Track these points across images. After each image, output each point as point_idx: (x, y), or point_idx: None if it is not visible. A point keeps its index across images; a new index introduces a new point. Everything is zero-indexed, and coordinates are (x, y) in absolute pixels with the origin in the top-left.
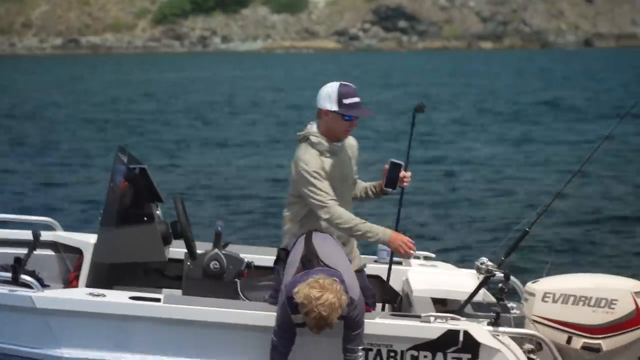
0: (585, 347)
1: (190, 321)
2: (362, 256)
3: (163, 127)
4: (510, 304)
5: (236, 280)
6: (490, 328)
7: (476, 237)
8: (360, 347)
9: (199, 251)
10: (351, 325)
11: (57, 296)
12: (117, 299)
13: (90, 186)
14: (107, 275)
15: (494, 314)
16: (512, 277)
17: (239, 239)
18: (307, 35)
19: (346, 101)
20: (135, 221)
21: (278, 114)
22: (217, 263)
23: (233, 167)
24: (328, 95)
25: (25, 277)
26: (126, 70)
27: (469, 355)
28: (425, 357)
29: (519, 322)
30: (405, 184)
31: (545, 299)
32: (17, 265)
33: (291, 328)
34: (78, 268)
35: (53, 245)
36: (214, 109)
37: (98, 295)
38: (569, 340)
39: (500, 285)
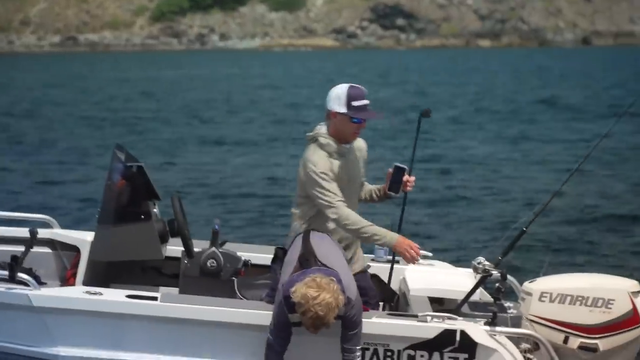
0: (582, 347)
1: (187, 320)
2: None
3: (160, 125)
4: (507, 304)
5: (233, 278)
6: (487, 328)
7: (473, 236)
8: (358, 347)
9: (196, 249)
10: (348, 324)
11: (53, 294)
12: (114, 297)
13: (88, 184)
14: (104, 273)
15: (491, 314)
16: (509, 277)
17: (237, 238)
18: (305, 33)
19: (355, 103)
20: (133, 219)
21: (275, 112)
22: (214, 261)
23: (230, 165)
24: (337, 97)
25: (22, 275)
26: (124, 68)
27: (466, 355)
28: (422, 356)
29: (516, 321)
30: (408, 188)
31: (542, 299)
32: (14, 264)
33: (287, 327)
34: (75, 266)
35: (50, 242)
36: (212, 107)
37: (95, 294)
38: (565, 340)
39: (497, 284)
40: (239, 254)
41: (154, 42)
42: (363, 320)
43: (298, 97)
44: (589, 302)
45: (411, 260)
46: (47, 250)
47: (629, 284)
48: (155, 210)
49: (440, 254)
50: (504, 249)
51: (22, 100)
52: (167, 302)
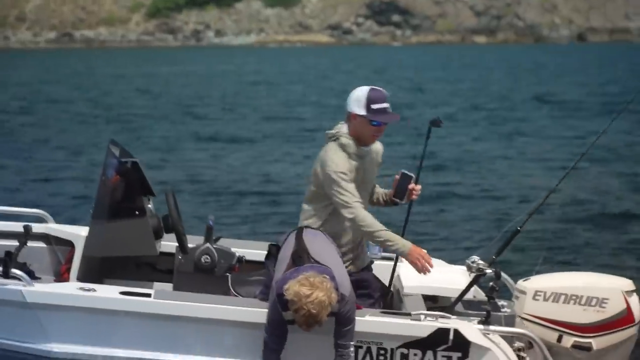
0: (575, 346)
1: (180, 317)
2: None
3: (155, 121)
4: (500, 302)
5: (227, 274)
6: (481, 326)
7: (467, 234)
8: (351, 343)
9: (190, 245)
10: (342, 321)
11: (47, 291)
12: (108, 294)
13: (83, 180)
14: (98, 269)
15: (485, 313)
16: (503, 275)
17: (231, 234)
18: (300, 29)
19: (374, 106)
20: (127, 215)
21: (270, 108)
22: (209, 257)
23: (224, 162)
24: (357, 99)
25: (16, 272)
26: (120, 64)
27: (459, 354)
28: (415, 355)
29: (510, 320)
30: (414, 197)
31: (536, 297)
32: (8, 259)
33: (282, 325)
34: (69, 261)
35: (45, 237)
36: (206, 104)
37: (88, 290)
38: (559, 339)
39: (491, 283)
40: (233, 250)
41: (150, 38)
42: (356, 318)
43: (293, 94)
44: (583, 301)
45: (422, 270)
46: (41, 245)
47: (623, 283)
48: (149, 206)
49: (435, 252)
50: (498, 248)
51: (18, 97)
52: (160, 299)
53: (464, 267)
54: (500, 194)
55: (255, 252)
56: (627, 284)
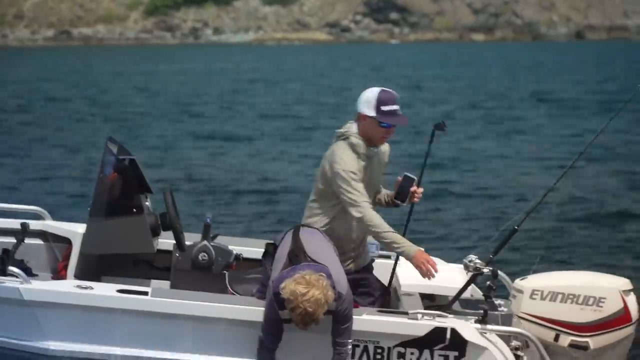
0: (572, 345)
1: (177, 315)
2: None
3: (152, 120)
4: (498, 301)
5: (225, 272)
6: (478, 326)
7: (465, 233)
8: (349, 340)
9: (187, 243)
10: (340, 319)
11: (44, 288)
12: (105, 292)
13: (80, 178)
14: (95, 266)
15: (482, 312)
16: (501, 273)
17: (228, 232)
18: (298, 27)
19: (384, 108)
20: (124, 212)
21: (268, 106)
22: (206, 255)
23: (222, 160)
24: (367, 100)
25: (13, 269)
26: (117, 62)
27: (456, 353)
28: (412, 354)
29: (507, 319)
30: (415, 200)
31: (534, 296)
32: (5, 257)
33: (278, 323)
34: (67, 258)
35: (42, 234)
36: (204, 102)
37: (86, 288)
38: (556, 338)
39: (488, 283)
40: (230, 247)
41: (148, 36)
42: (354, 317)
43: (291, 92)
44: (580, 300)
45: (426, 274)
46: (38, 241)
47: (621, 283)
48: (147, 203)
49: (432, 250)
50: (496, 247)
51: (15, 95)
52: (157, 297)
53: (461, 266)
54: (497, 193)
55: (253, 249)
56: (624, 283)
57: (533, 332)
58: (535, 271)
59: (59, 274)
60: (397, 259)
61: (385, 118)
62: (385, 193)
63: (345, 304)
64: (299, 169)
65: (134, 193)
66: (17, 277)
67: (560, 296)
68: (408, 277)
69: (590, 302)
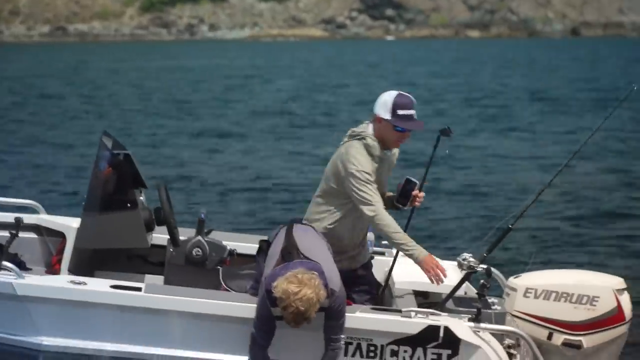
0: (565, 344)
1: (171, 311)
2: None
3: (147, 116)
4: (491, 300)
5: (218, 267)
6: (471, 324)
7: (458, 231)
8: (342, 336)
9: (181, 238)
10: (332, 316)
11: (38, 283)
12: (98, 287)
13: (75, 176)
14: (89, 261)
15: (475, 310)
16: (495, 271)
17: (222, 227)
18: (294, 23)
19: (400, 112)
20: (119, 207)
21: (263, 103)
22: (200, 250)
23: (216, 156)
24: (384, 103)
25: (6, 264)
26: (113, 58)
27: (449, 351)
28: (405, 352)
29: (500, 318)
30: (417, 204)
31: (527, 295)
32: None
33: (270, 320)
34: (61, 252)
35: (36, 228)
36: (199, 98)
37: (79, 283)
38: (549, 337)
39: (481, 281)
40: (224, 242)
41: (144, 32)
42: (347, 314)
43: (286, 89)
44: (574, 299)
45: (435, 279)
46: (33, 235)
47: (614, 282)
48: (141, 198)
49: (425, 248)
50: (489, 246)
51: (11, 91)
52: (151, 293)
53: (455, 264)
54: (491, 191)
55: (247, 245)
56: (618, 282)
57: (526, 331)
58: (529, 269)
59: (52, 268)
60: (395, 258)
61: (400, 122)
62: (387, 195)
63: (338, 301)
64: (293, 166)
65: (128, 188)
66: (10, 271)
67: (553, 295)
68: (402, 274)
69: (584, 300)
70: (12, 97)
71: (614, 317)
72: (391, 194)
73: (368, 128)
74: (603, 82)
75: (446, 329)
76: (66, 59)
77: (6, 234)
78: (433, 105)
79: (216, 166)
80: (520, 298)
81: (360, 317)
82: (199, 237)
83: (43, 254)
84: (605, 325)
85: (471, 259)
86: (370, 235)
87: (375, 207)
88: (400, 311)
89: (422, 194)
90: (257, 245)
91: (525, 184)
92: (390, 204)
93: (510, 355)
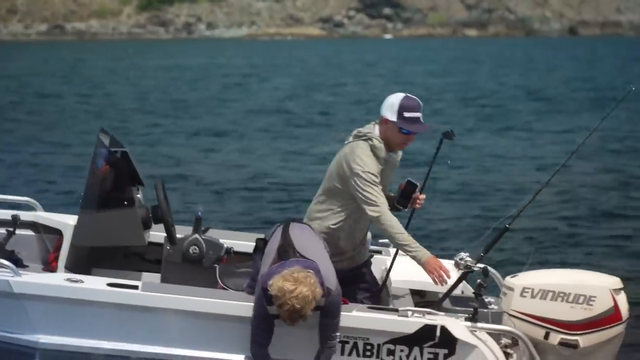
0: (562, 343)
1: (168, 310)
2: None
3: (144, 115)
4: (488, 299)
5: (215, 265)
6: (468, 323)
7: (456, 230)
8: (337, 334)
9: (178, 235)
10: (328, 314)
11: (34, 281)
12: (95, 285)
13: (72, 175)
14: (86, 258)
15: (472, 309)
16: (492, 270)
17: (219, 226)
18: (291, 22)
19: (406, 114)
20: (116, 205)
21: (260, 102)
22: (197, 248)
23: (213, 155)
24: (390, 105)
25: (3, 261)
26: (111, 56)
27: (446, 351)
28: (401, 351)
29: (497, 317)
30: (417, 206)
31: (524, 294)
32: None
33: (267, 318)
34: (58, 249)
35: (33, 225)
36: (196, 97)
37: (76, 281)
38: (546, 336)
39: (478, 280)
40: (221, 241)
41: (141, 31)
42: (343, 313)
43: (283, 87)
44: (571, 299)
45: (438, 280)
46: (29, 232)
47: (611, 281)
48: (138, 196)
49: (424, 247)
50: (486, 246)
51: (8, 90)
52: (148, 292)
53: (452, 262)
54: (489, 190)
55: (244, 243)
56: (615, 282)
57: (523, 330)
58: (526, 269)
59: (49, 265)
60: (394, 257)
61: (406, 124)
62: (388, 196)
63: (334, 300)
64: (290, 164)
65: (125, 185)
66: (7, 269)
67: (550, 294)
68: (399, 273)
69: (581, 300)
70: (10, 96)
71: (610, 317)
72: (392, 194)
73: (374, 129)
74: (601, 81)
75: (443, 328)
76: (64, 58)
77: (3, 231)
78: (430, 104)
79: (213, 165)
80: (517, 297)
81: (357, 316)
82: (196, 235)
83: (40, 251)
84: (602, 325)
85: (468, 259)
86: (368, 234)
87: (381, 208)
88: (397, 310)
89: (422, 196)
90: (254, 244)
91: (523, 183)
92: (390, 205)
93: (506, 354)
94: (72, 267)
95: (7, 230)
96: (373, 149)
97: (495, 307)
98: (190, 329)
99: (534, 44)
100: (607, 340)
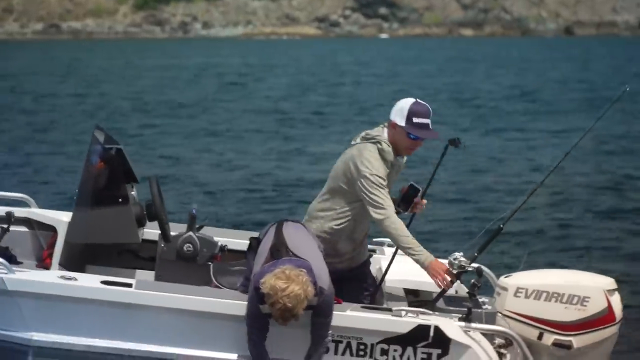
0: (556, 344)
1: (161, 307)
2: None
3: (140, 114)
4: (482, 299)
5: (209, 263)
6: (462, 324)
7: (450, 230)
8: (329, 334)
9: (173, 233)
10: (321, 313)
11: (28, 278)
12: (89, 283)
13: (69, 173)
14: (80, 255)
15: (466, 309)
16: (486, 270)
17: (213, 224)
18: (287, 21)
19: (415, 120)
20: (110, 202)
21: (256, 102)
22: (191, 246)
23: (209, 155)
24: (400, 109)
25: None
26: (106, 55)
27: (439, 351)
28: (395, 351)
29: (491, 317)
30: (417, 210)
31: (518, 294)
32: None
33: (260, 318)
34: (52, 246)
35: (27, 222)
36: (192, 96)
37: (69, 279)
38: (540, 336)
39: (472, 280)
40: (215, 238)
41: (137, 30)
42: (337, 312)
43: (278, 87)
44: (565, 299)
45: (442, 283)
46: (23, 229)
47: (605, 282)
48: (133, 192)
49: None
50: (480, 246)
51: (4, 88)
52: (141, 290)
53: (446, 262)
54: (483, 191)
55: (238, 241)
56: (609, 282)
57: (517, 330)
58: (521, 269)
59: (43, 262)
60: (392, 258)
61: (414, 130)
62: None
63: (326, 299)
64: (285, 164)
65: (119, 183)
66: (0, 265)
67: (544, 294)
68: (393, 272)
69: (575, 301)
70: (6, 95)
71: (604, 318)
72: (393, 197)
73: (383, 132)
74: (596, 81)
75: (436, 328)
76: (60, 57)
77: None
78: (428, 103)
79: (208, 164)
80: (511, 298)
81: (350, 316)
82: (190, 233)
83: (34, 247)
84: (596, 326)
85: (462, 259)
86: None
87: (387, 211)
88: (390, 310)
89: (424, 201)
90: (248, 242)
91: (517, 184)
92: None
93: (500, 355)
94: (66, 264)
95: (1, 227)
96: (381, 152)
97: (489, 307)
98: (184, 327)
99: (530, 43)
100: (600, 340)
